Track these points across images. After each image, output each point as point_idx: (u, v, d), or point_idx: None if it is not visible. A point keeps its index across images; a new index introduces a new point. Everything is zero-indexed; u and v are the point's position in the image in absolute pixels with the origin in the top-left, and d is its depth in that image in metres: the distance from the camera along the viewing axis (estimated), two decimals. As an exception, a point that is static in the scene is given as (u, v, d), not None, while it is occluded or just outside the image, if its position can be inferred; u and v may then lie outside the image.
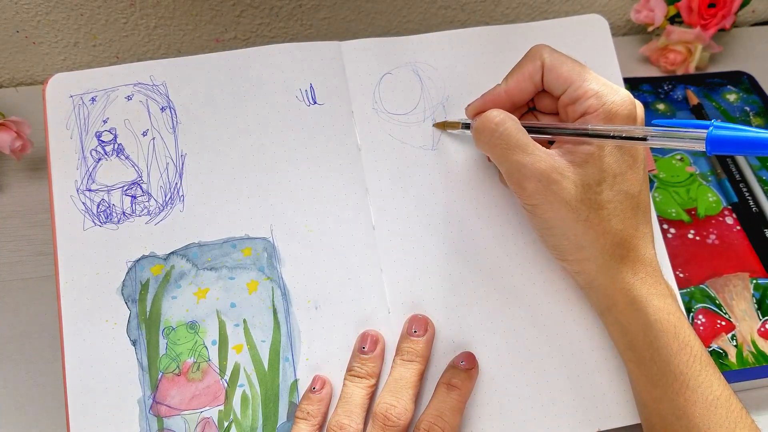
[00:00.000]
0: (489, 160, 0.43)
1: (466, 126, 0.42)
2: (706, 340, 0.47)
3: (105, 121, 0.42)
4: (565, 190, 0.35)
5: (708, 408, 0.34)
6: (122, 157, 0.42)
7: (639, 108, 0.37)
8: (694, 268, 0.50)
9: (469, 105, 0.41)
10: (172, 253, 0.40)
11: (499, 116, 0.37)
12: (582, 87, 0.36)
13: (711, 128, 0.31)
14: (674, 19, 0.66)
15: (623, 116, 0.35)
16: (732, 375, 0.45)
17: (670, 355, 0.35)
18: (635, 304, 0.36)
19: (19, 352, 0.46)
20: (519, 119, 0.38)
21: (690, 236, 0.52)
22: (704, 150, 0.31)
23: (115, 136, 0.42)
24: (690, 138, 0.32)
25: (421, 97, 0.44)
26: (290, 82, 0.43)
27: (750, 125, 0.59)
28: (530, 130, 0.37)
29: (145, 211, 0.41)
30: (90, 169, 0.41)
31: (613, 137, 0.35)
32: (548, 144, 0.38)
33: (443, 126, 0.44)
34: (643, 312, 0.36)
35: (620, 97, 0.36)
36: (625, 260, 0.37)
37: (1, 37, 0.60)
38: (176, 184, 0.41)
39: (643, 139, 0.34)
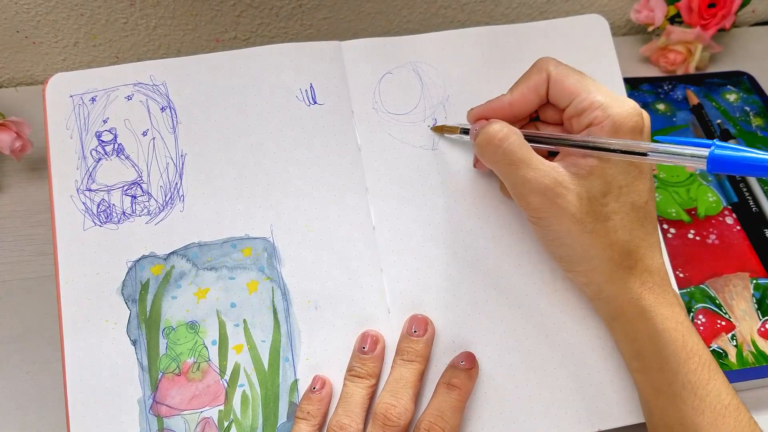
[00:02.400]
0: (475, 165, 0.43)
1: (465, 131, 0.42)
2: (706, 340, 0.46)
3: (105, 121, 0.42)
4: (569, 203, 0.35)
5: (716, 417, 0.34)
6: (122, 157, 0.42)
7: (646, 119, 0.37)
8: (694, 268, 0.50)
9: (471, 110, 0.41)
10: (172, 253, 0.40)
11: (502, 131, 0.36)
12: (587, 99, 0.36)
13: (713, 148, 0.31)
14: (674, 19, 0.66)
15: (629, 128, 0.35)
16: (732, 375, 0.45)
17: (678, 363, 0.35)
18: (643, 314, 0.36)
19: (19, 352, 0.46)
20: (521, 129, 0.38)
21: (690, 236, 0.52)
22: (705, 168, 0.31)
23: (115, 136, 0.42)
24: (691, 156, 0.32)
25: (422, 96, 0.44)
26: (290, 82, 0.43)
27: (750, 125, 0.59)
28: (533, 140, 0.37)
29: (145, 211, 0.41)
30: (90, 169, 0.41)
31: (614, 151, 0.35)
32: (550, 154, 0.38)
33: (441, 130, 0.44)
34: (651, 321, 0.36)
35: (626, 108, 0.35)
36: (633, 270, 0.37)
37: (1, 37, 0.60)
38: (176, 184, 0.41)
39: (644, 154, 0.34)
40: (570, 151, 0.36)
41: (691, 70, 0.65)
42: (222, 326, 0.39)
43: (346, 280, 0.41)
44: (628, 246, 0.36)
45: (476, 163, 0.43)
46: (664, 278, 0.37)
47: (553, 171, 0.35)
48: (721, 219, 0.53)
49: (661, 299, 0.36)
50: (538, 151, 0.37)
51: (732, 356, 0.46)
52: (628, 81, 0.62)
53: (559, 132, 0.40)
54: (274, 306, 0.40)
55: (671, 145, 0.33)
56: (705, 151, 0.31)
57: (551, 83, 0.38)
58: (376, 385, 0.38)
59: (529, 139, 0.37)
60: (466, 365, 0.39)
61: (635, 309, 0.36)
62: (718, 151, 0.31)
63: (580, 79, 0.37)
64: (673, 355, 0.35)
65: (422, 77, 0.45)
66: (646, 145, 0.34)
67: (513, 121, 0.38)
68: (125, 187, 0.41)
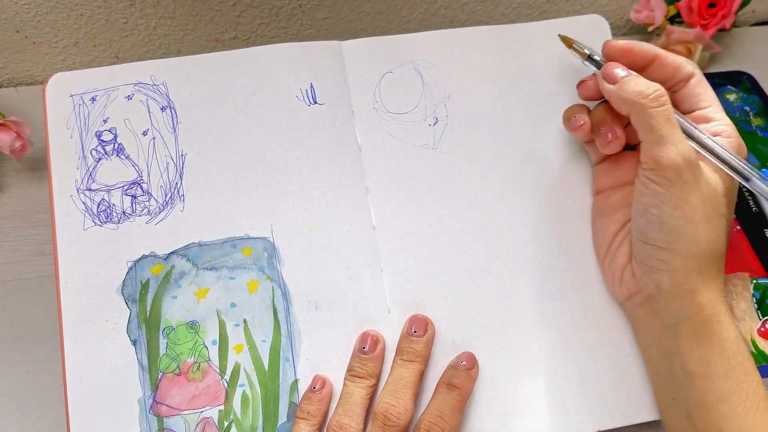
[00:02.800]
0: (579, 85, 0.41)
1: (591, 60, 0.40)
2: (706, 340, 0.47)
3: (105, 121, 0.42)
4: (701, 180, 0.36)
5: None
6: (122, 156, 0.42)
7: None
8: (695, 268, 0.50)
9: (613, 42, 0.39)
10: (173, 252, 0.40)
11: (665, 93, 0.36)
12: (720, 113, 0.38)
13: None
14: (674, 19, 0.66)
15: (745, 154, 0.38)
16: (732, 375, 0.45)
17: (745, 373, 0.35)
18: (721, 316, 0.36)
19: (19, 352, 0.46)
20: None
21: (690, 236, 0.52)
22: None
23: (116, 136, 0.42)
24: None
25: (422, 95, 0.44)
26: (290, 82, 0.43)
27: (750, 125, 0.59)
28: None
29: (146, 210, 0.41)
30: (90, 169, 0.41)
31: (734, 170, 0.37)
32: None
33: (569, 43, 0.42)
34: (727, 325, 0.36)
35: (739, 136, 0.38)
36: (719, 274, 0.37)
37: (1, 37, 0.60)
38: (176, 183, 0.41)
39: (747, 179, 0.36)
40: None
41: (691, 70, 0.65)
42: (222, 326, 0.39)
43: (346, 280, 0.41)
44: (722, 250, 0.37)
45: (581, 85, 0.41)
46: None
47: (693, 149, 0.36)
48: (721, 219, 0.53)
49: (727, 307, 0.37)
50: None
51: (732, 356, 0.46)
52: (628, 81, 0.61)
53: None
54: (274, 306, 0.40)
55: None
56: None
57: (693, 81, 0.39)
58: (376, 385, 0.38)
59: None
60: (467, 365, 0.39)
61: (715, 309, 0.36)
62: None
63: (714, 93, 0.39)
64: (742, 363, 0.35)
65: (423, 75, 0.45)
66: (755, 172, 0.37)
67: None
68: (125, 187, 0.41)
